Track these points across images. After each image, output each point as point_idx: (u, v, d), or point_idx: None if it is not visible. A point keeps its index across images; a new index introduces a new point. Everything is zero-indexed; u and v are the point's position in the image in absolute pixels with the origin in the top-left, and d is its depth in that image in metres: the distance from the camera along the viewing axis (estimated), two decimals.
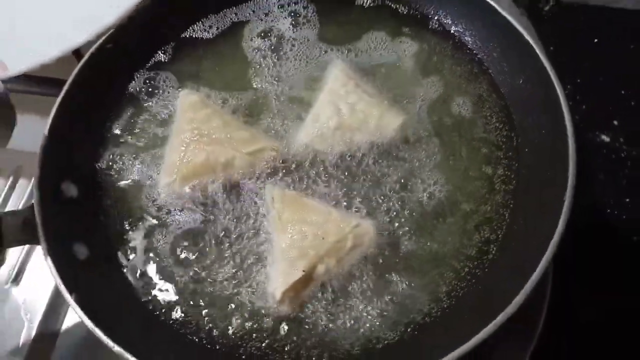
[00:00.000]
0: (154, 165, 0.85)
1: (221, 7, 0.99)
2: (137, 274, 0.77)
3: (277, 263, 0.74)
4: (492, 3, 0.88)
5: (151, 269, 0.77)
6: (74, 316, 0.90)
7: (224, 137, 0.82)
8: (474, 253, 0.75)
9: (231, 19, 0.99)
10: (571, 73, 1.27)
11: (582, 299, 1.00)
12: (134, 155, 0.86)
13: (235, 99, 0.90)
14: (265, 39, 0.96)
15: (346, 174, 0.81)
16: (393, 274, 0.74)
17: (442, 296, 0.72)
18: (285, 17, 0.98)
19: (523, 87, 0.85)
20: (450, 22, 0.95)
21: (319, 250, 0.72)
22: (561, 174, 0.70)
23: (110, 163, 0.86)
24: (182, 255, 0.78)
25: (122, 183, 0.84)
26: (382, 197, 0.79)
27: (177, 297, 0.75)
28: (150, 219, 0.81)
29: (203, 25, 0.99)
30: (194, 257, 0.77)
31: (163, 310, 0.74)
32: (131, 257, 0.78)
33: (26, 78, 0.99)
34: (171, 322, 0.74)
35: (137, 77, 0.94)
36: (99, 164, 0.86)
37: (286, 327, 0.72)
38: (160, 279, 0.77)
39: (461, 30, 0.94)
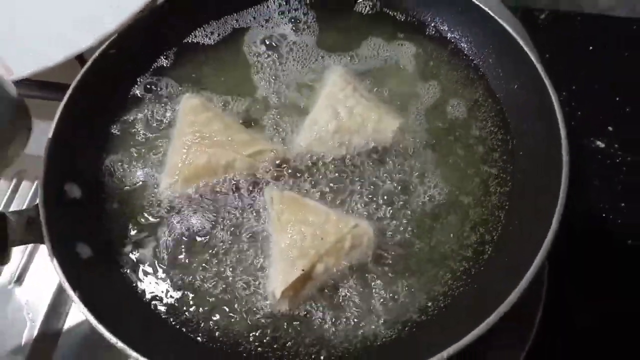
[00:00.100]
0: (156, 168, 0.87)
1: (222, 13, 1.01)
2: (139, 274, 0.78)
3: (277, 263, 0.75)
4: (488, 10, 0.90)
5: (152, 269, 0.78)
6: (75, 317, 0.91)
7: (224, 139, 0.83)
8: (470, 253, 0.76)
9: (232, 25, 1.01)
10: (567, 80, 1.29)
11: (577, 301, 1.02)
12: (137, 158, 0.88)
13: (236, 103, 0.91)
14: (266, 45, 0.98)
15: (344, 176, 0.83)
16: (391, 274, 0.75)
17: (438, 295, 0.74)
18: (286, 24, 1.00)
19: (518, 92, 0.87)
20: (446, 29, 0.97)
21: (318, 250, 0.73)
22: (555, 181, 0.71)
23: (113, 166, 0.87)
24: (183, 256, 0.79)
25: (125, 185, 0.86)
26: (380, 199, 0.80)
27: (177, 297, 0.76)
28: (152, 219, 0.82)
29: (204, 32, 1.01)
30: (194, 257, 0.79)
31: (164, 310, 0.76)
32: (133, 257, 0.80)
33: (30, 82, 1.01)
34: (172, 321, 0.75)
35: (139, 82, 0.96)
36: (102, 167, 0.87)
37: (285, 326, 0.73)
38: (161, 279, 0.78)
39: (457, 37, 0.96)
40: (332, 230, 0.75)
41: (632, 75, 1.30)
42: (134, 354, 0.64)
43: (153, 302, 0.76)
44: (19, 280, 0.94)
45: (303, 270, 0.72)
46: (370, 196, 0.81)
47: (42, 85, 1.06)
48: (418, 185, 0.81)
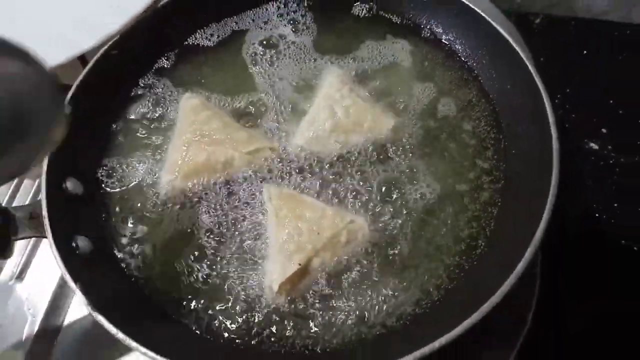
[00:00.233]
0: (157, 165, 0.88)
1: (222, 15, 1.04)
2: (138, 267, 0.80)
3: (274, 257, 0.76)
4: (482, 13, 0.92)
5: (152, 263, 0.80)
6: (76, 312, 0.92)
7: (224, 137, 0.85)
8: (463, 248, 0.78)
9: (232, 27, 1.03)
10: (561, 83, 1.31)
11: (570, 301, 1.02)
12: (137, 156, 0.90)
13: (235, 103, 0.94)
14: (264, 46, 1.00)
15: (341, 173, 0.84)
16: (385, 268, 0.76)
17: (432, 290, 0.75)
18: (284, 26, 1.02)
19: (511, 92, 0.89)
20: (441, 32, 1.00)
21: (314, 244, 0.75)
22: (548, 184, 0.73)
23: (115, 163, 0.89)
24: (182, 250, 0.80)
25: (126, 181, 0.87)
26: (375, 195, 0.82)
27: (176, 290, 0.77)
28: (152, 215, 0.84)
29: (204, 33, 1.03)
30: (193, 252, 0.80)
31: (163, 303, 0.77)
32: (133, 251, 0.81)
33: None
34: (171, 313, 0.76)
35: (141, 83, 0.98)
36: (104, 164, 0.89)
37: (282, 319, 0.74)
38: (160, 273, 0.79)
39: (452, 39, 0.98)
40: (328, 225, 0.77)
41: (626, 78, 1.31)
42: (133, 343, 0.65)
43: (152, 296, 0.78)
44: (20, 276, 0.95)
45: (300, 264, 0.74)
46: (365, 193, 0.82)
47: None
48: (412, 182, 0.83)
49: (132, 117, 0.94)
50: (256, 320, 0.74)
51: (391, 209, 0.81)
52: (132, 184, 0.87)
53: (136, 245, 0.81)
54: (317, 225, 0.77)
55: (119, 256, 0.80)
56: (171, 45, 1.02)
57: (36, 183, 1.03)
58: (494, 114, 0.90)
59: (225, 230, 0.81)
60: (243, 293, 0.76)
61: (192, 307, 0.76)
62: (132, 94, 0.97)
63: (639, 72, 1.30)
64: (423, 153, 0.86)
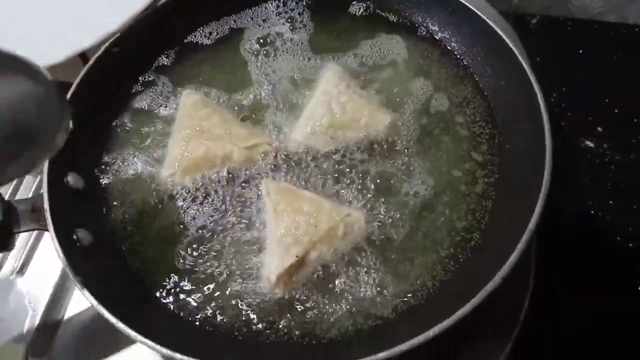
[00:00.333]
0: (157, 160, 0.90)
1: (222, 14, 1.05)
2: (139, 260, 0.81)
3: (272, 249, 0.78)
4: (477, 11, 0.93)
5: (151, 256, 0.81)
6: (76, 306, 0.93)
7: (223, 132, 0.87)
8: (458, 241, 0.79)
9: (230, 25, 1.05)
10: (558, 83, 1.32)
11: (565, 298, 1.03)
12: (138, 152, 0.91)
13: (234, 99, 0.95)
14: (262, 44, 1.01)
15: (338, 168, 0.86)
16: (381, 261, 0.78)
17: (427, 281, 0.76)
18: (283, 24, 1.03)
19: (506, 89, 0.90)
20: (437, 29, 1.01)
21: (311, 237, 0.76)
22: (540, 180, 0.74)
23: (115, 159, 0.91)
24: (181, 243, 0.81)
25: (126, 176, 0.89)
26: (371, 190, 0.83)
27: (176, 282, 0.79)
28: (152, 209, 0.85)
29: (203, 32, 1.04)
30: (192, 244, 0.81)
31: (163, 295, 0.78)
32: (133, 244, 0.82)
33: None
34: (170, 305, 0.77)
35: (141, 80, 0.99)
36: (104, 160, 0.90)
37: (280, 309, 0.75)
38: (160, 265, 0.80)
39: (447, 37, 1.00)
40: (325, 219, 0.78)
41: (621, 78, 1.32)
42: (132, 333, 0.66)
43: (152, 287, 0.79)
44: (22, 270, 0.96)
45: (297, 256, 0.75)
46: (362, 187, 0.84)
47: None
48: (408, 177, 0.84)
49: (132, 113, 0.96)
50: (254, 311, 0.75)
51: (387, 203, 0.82)
52: (133, 178, 0.88)
53: (136, 238, 0.83)
54: (315, 218, 0.78)
55: (119, 248, 0.82)
56: (171, 44, 1.03)
57: (38, 177, 1.04)
58: (489, 110, 0.91)
59: (224, 223, 0.82)
60: (242, 285, 0.77)
61: (191, 299, 0.77)
62: (133, 90, 0.98)
63: (634, 72, 1.31)
64: (419, 148, 0.87)
